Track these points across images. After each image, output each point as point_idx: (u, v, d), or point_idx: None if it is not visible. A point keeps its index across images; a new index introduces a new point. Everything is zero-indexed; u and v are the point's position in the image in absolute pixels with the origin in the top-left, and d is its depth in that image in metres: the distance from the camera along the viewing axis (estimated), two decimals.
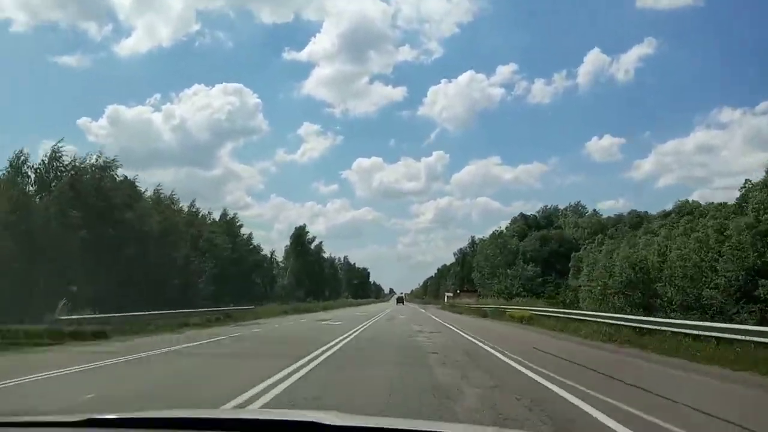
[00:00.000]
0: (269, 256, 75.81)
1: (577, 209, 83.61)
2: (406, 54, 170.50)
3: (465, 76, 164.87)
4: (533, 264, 67.21)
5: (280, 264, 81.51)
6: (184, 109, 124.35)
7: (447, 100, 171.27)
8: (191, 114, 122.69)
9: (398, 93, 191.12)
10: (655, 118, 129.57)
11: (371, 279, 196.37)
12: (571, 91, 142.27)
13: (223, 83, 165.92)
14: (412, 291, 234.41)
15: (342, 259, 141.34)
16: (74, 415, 1.98)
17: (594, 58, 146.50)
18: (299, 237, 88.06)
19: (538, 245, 70.04)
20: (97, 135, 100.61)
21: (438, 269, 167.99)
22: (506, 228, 79.59)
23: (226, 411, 4.72)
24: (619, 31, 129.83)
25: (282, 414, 2.38)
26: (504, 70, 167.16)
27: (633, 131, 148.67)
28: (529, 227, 74.78)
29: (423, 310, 63.84)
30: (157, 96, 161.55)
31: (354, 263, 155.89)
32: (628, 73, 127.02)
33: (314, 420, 1.81)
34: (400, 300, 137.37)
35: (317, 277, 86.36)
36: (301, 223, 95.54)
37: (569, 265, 64.36)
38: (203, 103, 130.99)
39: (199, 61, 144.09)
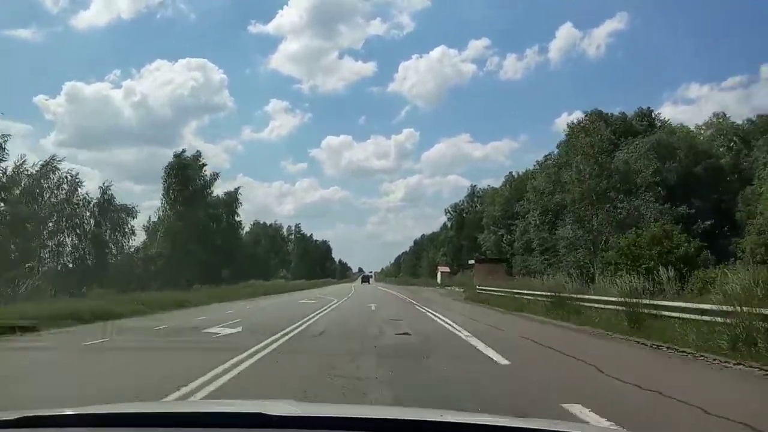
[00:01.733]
0: None
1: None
2: (376, 28, 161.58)
3: (436, 51, 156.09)
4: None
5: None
6: (145, 85, 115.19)
7: (418, 76, 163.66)
8: (153, 90, 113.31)
9: (368, 68, 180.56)
10: (625, 94, 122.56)
11: (336, 257, 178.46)
12: (543, 67, 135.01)
13: (187, 58, 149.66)
14: (382, 270, 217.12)
15: (292, 228, 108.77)
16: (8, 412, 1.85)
17: (566, 32, 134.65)
18: (181, 168, 49.28)
19: (655, 164, 35.38)
20: (54, 113, 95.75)
21: (415, 241, 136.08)
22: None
23: (168, 404, 3.88)
24: (592, 5, 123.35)
25: (227, 405, 2.36)
26: (476, 45, 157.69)
27: (603, 107, 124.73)
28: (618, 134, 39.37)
29: (402, 299, 32.33)
30: (117, 72, 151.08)
31: (310, 234, 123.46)
32: (599, 48, 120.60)
33: (261, 411, 1.71)
34: (366, 279, 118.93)
35: (216, 243, 50.73)
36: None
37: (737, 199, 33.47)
38: (166, 79, 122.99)
39: (161, 35, 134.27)
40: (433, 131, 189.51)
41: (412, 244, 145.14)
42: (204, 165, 50.75)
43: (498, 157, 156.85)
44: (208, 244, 47.02)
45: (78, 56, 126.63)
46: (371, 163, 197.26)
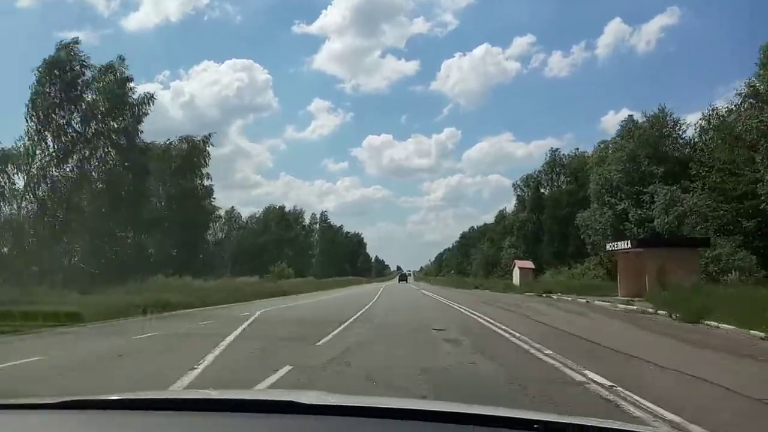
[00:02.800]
0: None
1: None
2: (419, 26, 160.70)
3: (480, 49, 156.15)
4: None
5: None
6: (193, 86, 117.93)
7: (461, 74, 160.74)
8: (200, 91, 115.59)
9: (411, 67, 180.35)
10: (676, 91, 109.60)
11: (374, 255, 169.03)
12: (590, 64, 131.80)
13: (233, 59, 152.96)
14: (421, 268, 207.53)
15: (318, 217, 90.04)
16: (50, 398, 1.84)
17: (615, 28, 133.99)
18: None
19: None
20: None
21: (462, 234, 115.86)
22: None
23: (199, 392, 3.36)
24: (642, 0, 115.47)
25: (259, 394, 2.56)
26: (521, 42, 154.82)
27: (652, 105, 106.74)
28: None
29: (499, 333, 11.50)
30: (166, 72, 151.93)
31: (340, 226, 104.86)
32: (650, 43, 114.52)
33: (293, 399, 1.78)
34: (403, 278, 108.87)
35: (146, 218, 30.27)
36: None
37: None
38: (212, 80, 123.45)
39: (208, 36, 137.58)
40: (475, 130, 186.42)
41: (450, 244, 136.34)
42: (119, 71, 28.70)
43: (541, 156, 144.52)
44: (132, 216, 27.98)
45: (128, 57, 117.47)
46: (412, 162, 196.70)
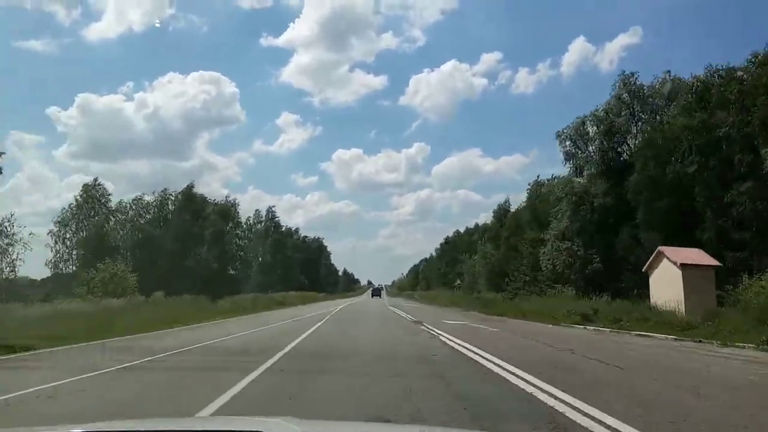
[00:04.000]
0: None
1: None
2: (388, 41, 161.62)
3: (448, 65, 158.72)
4: None
5: None
6: (158, 97, 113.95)
7: (429, 89, 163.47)
8: (165, 103, 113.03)
9: (379, 82, 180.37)
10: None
11: (346, 270, 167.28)
12: (555, 81, 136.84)
13: (199, 71, 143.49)
14: (393, 282, 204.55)
15: (263, 214, 67.25)
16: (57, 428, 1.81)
17: (579, 46, 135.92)
18: None
19: None
20: (66, 125, 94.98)
21: (446, 240, 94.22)
22: None
23: (172, 421, 3.39)
24: (606, 19, 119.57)
25: (228, 422, 2.42)
26: (488, 59, 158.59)
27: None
28: None
29: None
30: (130, 84, 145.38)
31: (295, 229, 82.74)
32: (612, 62, 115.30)
33: (260, 430, 1.74)
34: (376, 292, 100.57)
35: None
36: None
37: None
38: (178, 92, 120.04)
39: (174, 47, 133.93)
40: (444, 145, 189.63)
41: (420, 258, 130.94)
42: None
43: (509, 172, 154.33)
44: None
45: (90, 68, 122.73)
46: (381, 177, 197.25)
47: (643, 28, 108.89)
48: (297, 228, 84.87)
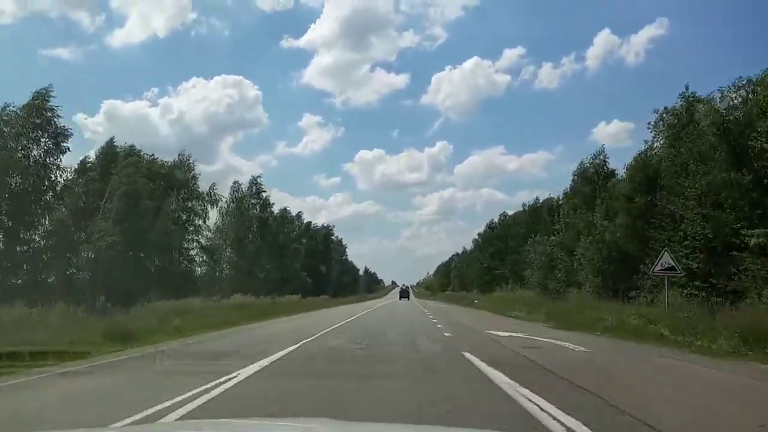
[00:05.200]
0: None
1: None
2: (409, 40, 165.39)
3: (470, 63, 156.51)
4: None
5: None
6: (182, 102, 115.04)
7: (451, 87, 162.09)
8: (189, 107, 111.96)
9: (401, 81, 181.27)
10: (666, 102, 47.89)
11: (370, 269, 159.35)
12: (580, 75, 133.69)
13: (222, 75, 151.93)
14: (418, 283, 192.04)
15: (244, 187, 47.89)
16: None
17: (603, 39, 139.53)
18: None
19: None
20: (93, 132, 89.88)
21: (489, 225, 73.27)
22: None
23: (206, 423, 3.55)
24: (631, 11, 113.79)
25: (265, 426, 2.37)
26: (510, 54, 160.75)
27: (643, 115, 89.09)
28: None
29: None
30: (155, 90, 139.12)
31: (299, 214, 64.13)
32: (639, 55, 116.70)
33: (303, 430, 1.85)
34: (404, 293, 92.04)
35: None
36: None
37: None
38: (201, 96, 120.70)
39: (196, 52, 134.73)
40: (467, 144, 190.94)
41: (444, 258, 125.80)
42: None
43: (533, 169, 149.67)
44: None
45: (115, 75, 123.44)
46: (404, 177, 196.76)
47: (669, 19, 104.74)
48: (300, 213, 65.40)
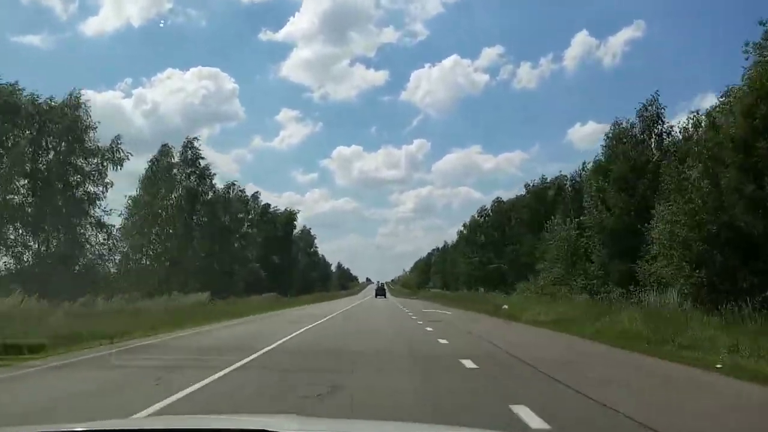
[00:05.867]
0: None
1: None
2: (389, 35, 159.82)
3: (449, 60, 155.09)
4: None
5: None
6: (156, 94, 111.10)
7: (430, 85, 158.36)
8: (164, 99, 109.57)
9: (380, 77, 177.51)
10: (640, 104, 42.92)
11: (348, 268, 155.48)
12: (558, 76, 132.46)
13: (198, 66, 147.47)
14: (393, 280, 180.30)
15: (175, 150, 36.94)
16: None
17: (581, 40, 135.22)
18: None
19: None
20: None
21: (480, 213, 62.11)
22: None
23: (173, 419, 3.38)
24: (609, 13, 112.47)
25: (232, 421, 2.22)
26: (490, 53, 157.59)
27: (618, 118, 60.68)
28: None
29: None
30: (128, 80, 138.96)
31: (258, 193, 53.27)
32: (615, 56, 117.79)
33: (264, 428, 1.63)
34: (380, 291, 78.36)
35: None
36: None
37: None
38: (176, 87, 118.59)
39: (172, 43, 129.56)
40: (445, 141, 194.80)
41: (424, 255, 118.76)
42: None
43: (509, 168, 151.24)
44: None
45: (88, 64, 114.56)
46: (382, 174, 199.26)
47: (645, 22, 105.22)
48: (257, 192, 54.19)
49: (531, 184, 47.39)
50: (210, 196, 37.79)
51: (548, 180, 44.52)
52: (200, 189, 36.06)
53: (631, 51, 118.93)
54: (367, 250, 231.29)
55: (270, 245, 51.91)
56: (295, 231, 64.75)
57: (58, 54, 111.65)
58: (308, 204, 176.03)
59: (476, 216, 60.37)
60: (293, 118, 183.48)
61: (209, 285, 31.25)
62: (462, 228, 72.69)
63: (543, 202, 43.87)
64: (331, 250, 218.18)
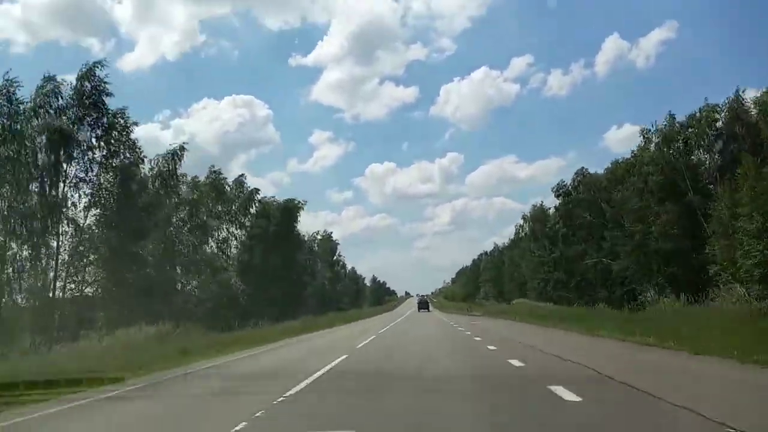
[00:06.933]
0: None
1: None
2: (417, 52, 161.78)
3: (478, 73, 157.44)
4: None
5: None
6: (193, 124, 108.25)
7: (460, 98, 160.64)
8: (201, 128, 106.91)
9: (410, 94, 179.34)
10: (677, 104, 69.66)
11: (389, 284, 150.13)
12: (589, 81, 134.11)
13: (232, 95, 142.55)
14: (436, 291, 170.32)
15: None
16: None
17: (612, 44, 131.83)
18: None
19: None
20: None
21: (559, 188, 44.66)
22: None
23: None
24: (638, 15, 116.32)
25: None
26: (519, 63, 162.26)
27: (654, 119, 42.96)
28: None
29: None
30: (166, 112, 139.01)
31: (241, 176, 37.49)
32: (649, 58, 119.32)
33: None
34: (423, 305, 69.21)
35: None
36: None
37: None
38: (212, 116, 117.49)
39: (206, 73, 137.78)
40: (478, 153, 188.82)
41: (458, 268, 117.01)
42: None
43: (545, 176, 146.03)
44: None
45: (126, 98, 58.88)
46: (416, 188, 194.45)
47: (678, 22, 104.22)
48: (242, 175, 38.32)
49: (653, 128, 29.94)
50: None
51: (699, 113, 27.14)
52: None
53: (664, 51, 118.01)
54: (403, 264, 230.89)
55: (263, 245, 35.83)
56: (303, 231, 48.74)
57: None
58: (344, 222, 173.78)
59: (556, 192, 42.78)
60: (326, 139, 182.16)
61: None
62: (525, 217, 55.62)
63: (687, 151, 26.90)
64: (367, 267, 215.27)
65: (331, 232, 66.64)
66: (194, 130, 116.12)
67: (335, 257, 67.22)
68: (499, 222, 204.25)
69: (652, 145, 28.96)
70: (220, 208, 34.94)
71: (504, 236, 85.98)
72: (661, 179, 27.03)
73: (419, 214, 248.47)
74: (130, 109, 26.32)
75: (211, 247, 33.29)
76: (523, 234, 59.06)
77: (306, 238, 48.13)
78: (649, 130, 29.15)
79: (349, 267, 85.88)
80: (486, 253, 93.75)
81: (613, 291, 32.56)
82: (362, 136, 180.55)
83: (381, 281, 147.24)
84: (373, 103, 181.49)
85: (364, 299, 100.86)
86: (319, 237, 60.75)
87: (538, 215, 53.27)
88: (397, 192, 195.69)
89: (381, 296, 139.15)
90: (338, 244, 66.73)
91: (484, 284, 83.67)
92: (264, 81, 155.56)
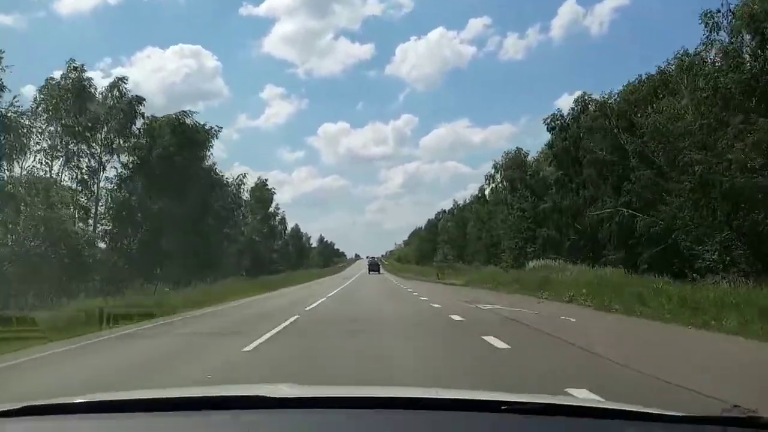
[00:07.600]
0: None
1: None
2: (373, 8, 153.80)
3: (435, 33, 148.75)
4: None
5: None
6: (136, 73, 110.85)
7: (416, 58, 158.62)
8: (145, 78, 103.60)
9: (365, 51, 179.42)
10: (629, 73, 53.77)
11: (338, 246, 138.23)
12: (545, 46, 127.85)
13: (179, 44, 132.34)
14: (388, 253, 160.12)
15: None
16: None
17: (568, 9, 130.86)
18: None
19: None
20: None
21: (552, 120, 35.04)
22: None
23: (172, 390, 2.85)
24: None
25: (228, 389, 2.29)
26: (476, 24, 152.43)
27: (606, 87, 65.20)
28: None
29: None
30: (107, 60, 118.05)
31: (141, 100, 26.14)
32: (603, 25, 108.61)
33: (263, 394, 1.69)
34: (373, 267, 71.79)
35: None
36: None
37: None
38: (157, 66, 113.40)
39: (151, 20, 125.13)
40: (432, 116, 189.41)
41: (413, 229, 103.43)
42: None
43: (498, 141, 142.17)
44: None
45: (65, 44, 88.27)
46: (369, 150, 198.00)
47: None
48: (138, 97, 27.00)
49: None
50: None
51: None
52: None
53: (618, 18, 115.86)
54: (355, 227, 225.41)
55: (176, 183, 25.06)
56: (227, 174, 37.93)
57: (32, 34, 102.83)
58: (295, 183, 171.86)
59: (549, 125, 33.03)
60: (278, 95, 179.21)
61: None
62: (492, 170, 46.01)
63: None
64: (317, 229, 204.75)
65: (266, 180, 55.57)
66: (137, 80, 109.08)
67: (272, 209, 56.41)
68: (452, 186, 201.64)
69: (722, 32, 19.30)
70: (84, 123, 23.73)
71: (457, 201, 76.92)
72: (746, 78, 17.60)
73: (373, 177, 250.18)
74: (68, 55, 16.55)
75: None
76: (493, 185, 49.83)
77: (228, 181, 37.06)
78: (718, 11, 19.38)
79: (292, 225, 75.54)
80: (445, 211, 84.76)
81: (639, 252, 23.38)
82: (315, 94, 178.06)
83: (329, 242, 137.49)
84: (327, 59, 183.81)
85: (308, 261, 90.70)
86: (251, 184, 49.64)
87: (516, 161, 43.98)
88: (351, 153, 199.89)
89: (329, 258, 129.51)
90: (275, 193, 55.83)
91: (442, 245, 74.58)
92: (213, 31, 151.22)
